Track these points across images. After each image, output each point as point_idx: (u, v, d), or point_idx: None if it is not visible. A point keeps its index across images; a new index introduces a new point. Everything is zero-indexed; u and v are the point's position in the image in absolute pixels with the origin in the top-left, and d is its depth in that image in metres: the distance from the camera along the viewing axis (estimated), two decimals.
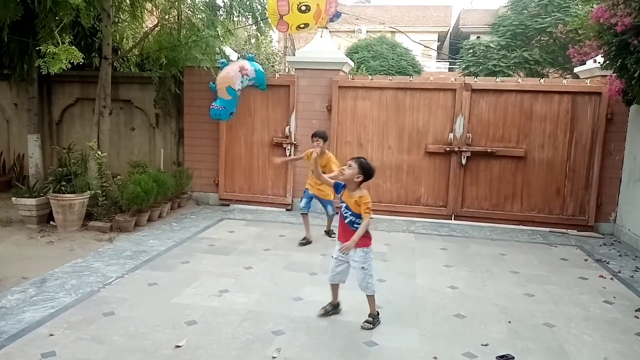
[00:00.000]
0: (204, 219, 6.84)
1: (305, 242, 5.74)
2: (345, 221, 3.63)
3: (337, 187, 3.72)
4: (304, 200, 5.78)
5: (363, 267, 3.60)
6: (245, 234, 6.14)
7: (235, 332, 3.48)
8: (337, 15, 5.06)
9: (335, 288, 3.82)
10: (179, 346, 3.24)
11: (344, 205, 3.63)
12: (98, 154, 6.22)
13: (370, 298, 3.70)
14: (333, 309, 3.82)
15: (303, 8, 4.57)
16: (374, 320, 3.67)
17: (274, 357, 3.15)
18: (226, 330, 3.50)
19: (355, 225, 3.58)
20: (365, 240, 3.60)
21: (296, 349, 3.29)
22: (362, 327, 3.61)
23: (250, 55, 6.37)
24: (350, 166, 3.59)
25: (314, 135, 5.53)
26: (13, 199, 6.04)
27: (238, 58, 6.55)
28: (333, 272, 3.73)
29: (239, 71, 5.92)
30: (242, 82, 5.95)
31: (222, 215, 7.15)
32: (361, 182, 3.61)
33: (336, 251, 3.70)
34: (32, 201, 5.95)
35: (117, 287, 4.25)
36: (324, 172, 3.72)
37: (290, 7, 4.60)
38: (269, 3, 4.70)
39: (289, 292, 4.26)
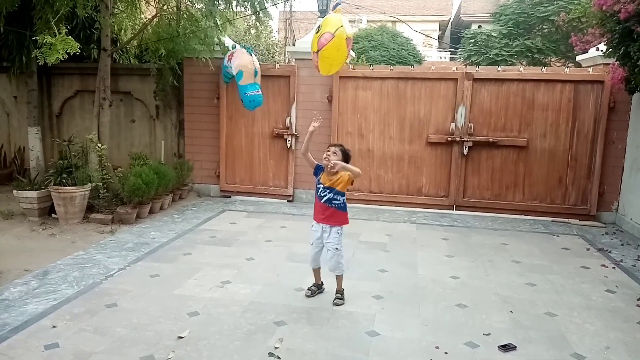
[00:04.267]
0: (206, 211, 6.84)
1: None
2: (323, 200, 3.78)
3: (317, 170, 3.87)
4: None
5: (337, 248, 3.79)
6: (247, 226, 6.14)
7: (237, 323, 3.49)
8: (336, 5, 5.04)
9: (317, 271, 4.02)
10: (181, 337, 3.25)
11: (322, 186, 3.78)
12: (98, 146, 6.21)
13: (340, 277, 3.91)
14: (318, 289, 4.03)
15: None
16: (342, 295, 3.90)
17: (276, 348, 3.16)
18: (228, 321, 3.51)
19: (334, 202, 3.75)
20: (343, 218, 3.81)
21: (298, 339, 3.30)
22: (335, 304, 3.81)
23: (247, 46, 6.55)
24: (335, 153, 3.74)
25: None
26: (14, 191, 6.03)
27: (234, 47, 6.61)
28: (314, 258, 3.92)
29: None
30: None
31: (223, 206, 7.15)
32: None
33: (313, 237, 3.87)
34: (33, 194, 5.95)
35: (119, 278, 4.26)
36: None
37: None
38: (341, 55, 4.64)
39: (291, 283, 4.26)
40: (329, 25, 4.43)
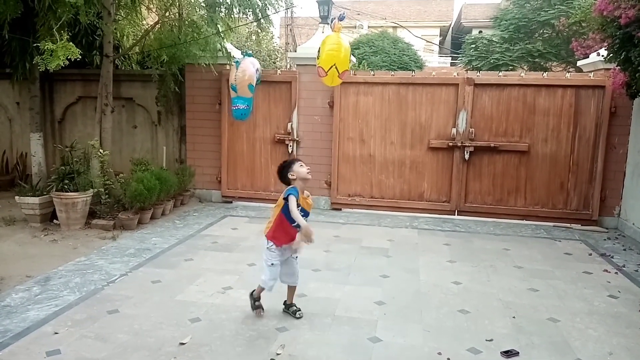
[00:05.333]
0: (207, 216, 6.84)
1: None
2: (295, 225, 3.47)
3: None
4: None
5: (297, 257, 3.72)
6: (248, 231, 6.14)
7: (239, 329, 3.48)
8: (343, 17, 5.22)
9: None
10: (183, 343, 3.25)
11: (300, 207, 3.47)
12: (100, 152, 6.23)
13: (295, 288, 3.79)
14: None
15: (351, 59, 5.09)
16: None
17: (278, 354, 3.15)
18: (230, 327, 3.51)
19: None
20: None
21: (300, 345, 3.29)
22: (299, 317, 3.66)
23: (249, 52, 6.68)
24: (302, 165, 3.57)
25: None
26: (16, 197, 6.05)
27: (243, 55, 6.72)
28: (277, 276, 3.68)
29: (253, 67, 6.40)
30: (257, 78, 6.43)
31: (224, 212, 7.15)
32: None
33: (277, 258, 3.61)
34: (35, 200, 5.96)
35: (121, 284, 4.26)
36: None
37: (348, 70, 5.20)
38: (334, 82, 5.06)
39: None
40: (322, 55, 4.90)
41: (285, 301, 3.79)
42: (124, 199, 6.14)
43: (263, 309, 3.72)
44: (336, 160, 7.32)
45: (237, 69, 6.48)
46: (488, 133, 6.96)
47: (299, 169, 3.53)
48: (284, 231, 3.55)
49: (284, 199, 3.49)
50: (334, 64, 4.94)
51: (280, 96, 7.46)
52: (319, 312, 3.79)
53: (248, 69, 6.47)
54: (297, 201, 3.43)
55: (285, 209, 3.46)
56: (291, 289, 3.77)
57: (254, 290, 3.75)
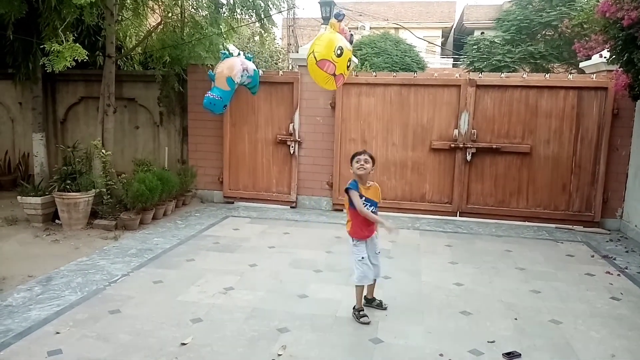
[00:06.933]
0: (209, 217, 6.84)
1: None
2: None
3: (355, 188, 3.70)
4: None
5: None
6: (250, 232, 6.14)
7: (240, 330, 3.48)
8: (341, 15, 5.11)
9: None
10: (184, 344, 3.25)
11: (365, 198, 3.68)
12: (102, 153, 6.23)
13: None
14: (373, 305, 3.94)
15: (338, 52, 4.80)
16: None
17: (279, 355, 3.15)
18: (231, 328, 3.50)
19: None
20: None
21: (302, 346, 3.29)
22: (384, 308, 3.87)
23: (249, 55, 6.58)
24: (367, 161, 3.69)
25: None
26: (18, 197, 6.06)
27: (239, 54, 6.68)
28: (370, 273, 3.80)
29: (241, 65, 6.16)
30: (242, 76, 6.25)
31: (226, 213, 7.15)
32: None
33: (375, 248, 3.82)
34: (37, 200, 5.97)
35: (123, 285, 4.26)
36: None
37: (333, 64, 4.79)
38: (319, 77, 4.87)
39: (294, 289, 4.26)
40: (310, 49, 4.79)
41: (366, 296, 3.88)
42: (126, 199, 6.14)
43: (368, 318, 3.69)
44: (338, 161, 7.32)
45: (221, 61, 6.23)
46: (490, 134, 6.95)
47: (353, 165, 3.71)
48: (361, 223, 3.70)
49: (345, 191, 3.72)
50: (312, 51, 4.75)
51: (282, 97, 7.47)
52: (320, 313, 3.79)
53: (234, 64, 6.16)
54: (358, 192, 3.64)
55: (351, 202, 3.67)
56: (372, 284, 3.88)
57: (354, 306, 3.76)
